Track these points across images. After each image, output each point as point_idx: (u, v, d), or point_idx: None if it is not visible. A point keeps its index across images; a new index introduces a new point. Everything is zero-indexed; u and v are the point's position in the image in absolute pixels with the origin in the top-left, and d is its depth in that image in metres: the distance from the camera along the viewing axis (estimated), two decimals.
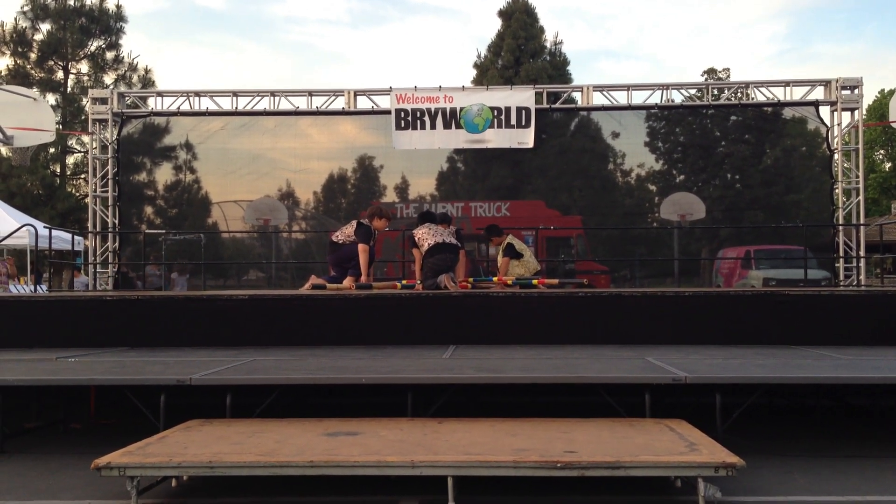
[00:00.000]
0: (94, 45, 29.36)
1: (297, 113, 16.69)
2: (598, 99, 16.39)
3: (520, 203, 19.15)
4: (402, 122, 15.75)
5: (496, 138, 15.79)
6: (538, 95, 16.35)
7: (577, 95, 17.51)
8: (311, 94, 16.49)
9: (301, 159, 18.24)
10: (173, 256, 17.60)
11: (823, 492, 4.75)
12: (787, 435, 6.43)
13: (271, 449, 4.62)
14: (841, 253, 15.41)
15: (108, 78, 29.30)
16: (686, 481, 4.56)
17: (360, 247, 9.27)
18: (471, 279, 10.07)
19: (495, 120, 15.60)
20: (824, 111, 16.05)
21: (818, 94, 15.96)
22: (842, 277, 15.48)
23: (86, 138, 22.32)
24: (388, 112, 15.99)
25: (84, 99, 26.35)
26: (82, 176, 28.69)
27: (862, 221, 15.41)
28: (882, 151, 47.03)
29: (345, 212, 19.55)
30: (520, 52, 32.03)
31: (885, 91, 42.91)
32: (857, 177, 15.51)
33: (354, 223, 9.58)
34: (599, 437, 4.85)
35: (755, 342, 7.56)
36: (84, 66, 29.65)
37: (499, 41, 32.88)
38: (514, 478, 4.42)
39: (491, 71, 31.77)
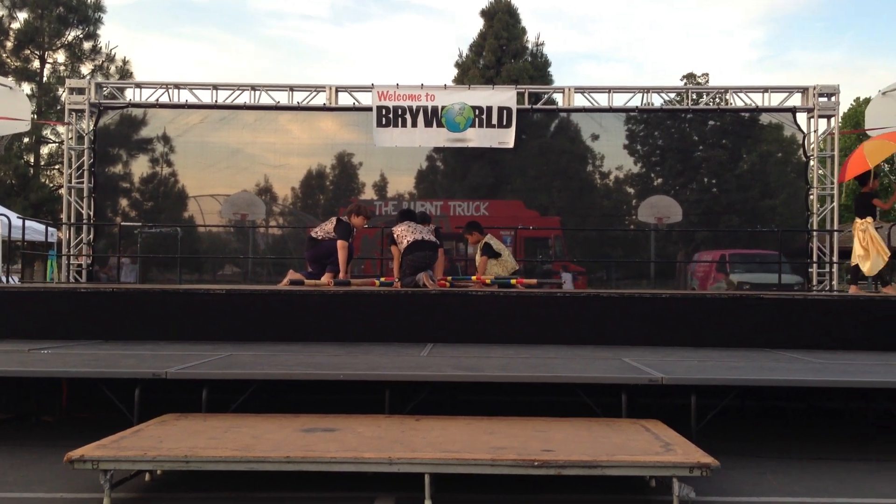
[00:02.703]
0: (71, 35, 28.99)
1: (278, 108, 16.59)
2: (580, 101, 16.44)
3: (499, 203, 19.20)
4: (384, 119, 15.72)
5: (477, 138, 15.80)
6: (519, 96, 16.38)
7: (558, 97, 17.56)
8: (292, 89, 16.42)
9: (280, 155, 18.16)
10: (148, 250, 17.44)
11: (795, 493, 4.81)
12: (760, 436, 6.50)
13: (248, 444, 4.60)
14: (814, 258, 15.58)
15: (85, 68, 28.94)
16: (661, 481, 4.60)
17: (340, 243, 9.26)
18: (449, 278, 10.08)
19: (477, 119, 15.61)
20: (801, 118, 16.22)
21: (796, 100, 16.13)
22: (815, 283, 15.66)
23: (61, 128, 22.08)
24: (369, 109, 15.95)
25: (60, 89, 26.01)
26: (56, 166, 28.34)
27: (835, 228, 15.60)
28: None
29: (323, 208, 19.49)
30: (501, 52, 32.11)
31: (861, 99, 43.40)
32: (832, 183, 15.68)
33: (334, 220, 9.57)
34: (576, 436, 4.88)
35: (729, 345, 7.64)
36: (61, 56, 29.30)
37: (481, 41, 32.94)
38: (492, 476, 4.43)
39: (472, 70, 31.81)
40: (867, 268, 9.81)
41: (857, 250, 9.91)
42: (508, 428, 5.10)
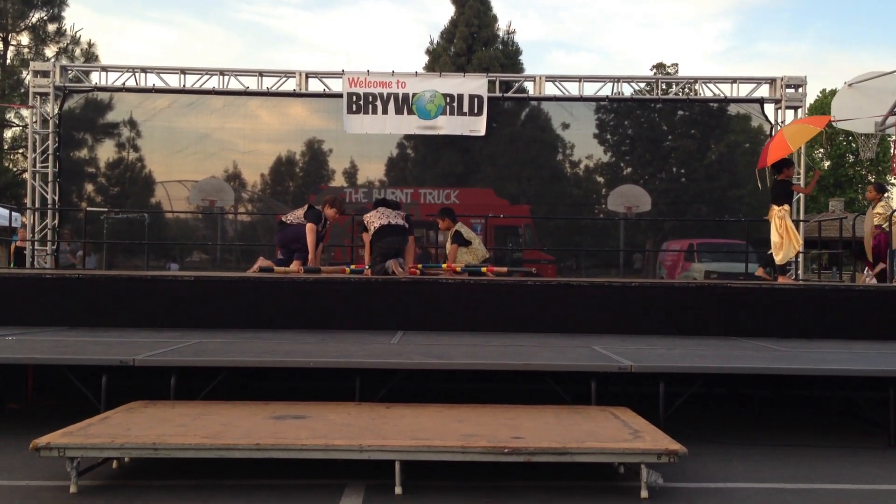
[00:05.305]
0: (35, 17, 28.49)
1: (247, 93, 16.43)
2: (550, 89, 16.47)
3: (469, 191, 19.23)
4: (354, 105, 15.65)
5: (448, 125, 15.79)
6: (490, 84, 16.38)
7: (528, 85, 17.58)
8: (261, 74, 16.27)
9: (249, 140, 18.03)
10: (115, 236, 17.22)
11: (761, 479, 4.87)
12: (727, 424, 6.57)
13: (217, 431, 4.57)
14: None
15: (50, 51, 28.48)
16: (629, 467, 4.63)
17: (309, 226, 9.22)
18: (420, 265, 10.08)
19: (448, 107, 15.60)
20: (769, 109, 16.41)
21: (763, 91, 16.30)
22: None
23: (25, 112, 21.67)
24: (339, 95, 15.87)
25: (24, 71, 25.61)
26: (20, 150, 27.88)
27: (801, 218, 15.81)
28: (821, 150, 48.20)
29: (293, 195, 19.39)
30: (472, 39, 32.06)
31: (827, 91, 43.97)
32: (798, 174, 15.88)
33: (306, 206, 9.54)
34: (546, 423, 4.91)
35: (697, 333, 7.73)
36: (25, 38, 28.79)
37: (452, 28, 32.86)
38: (462, 463, 4.44)
39: (443, 58, 31.74)
40: (780, 257, 9.95)
41: (774, 238, 10.03)
42: (479, 415, 5.11)
